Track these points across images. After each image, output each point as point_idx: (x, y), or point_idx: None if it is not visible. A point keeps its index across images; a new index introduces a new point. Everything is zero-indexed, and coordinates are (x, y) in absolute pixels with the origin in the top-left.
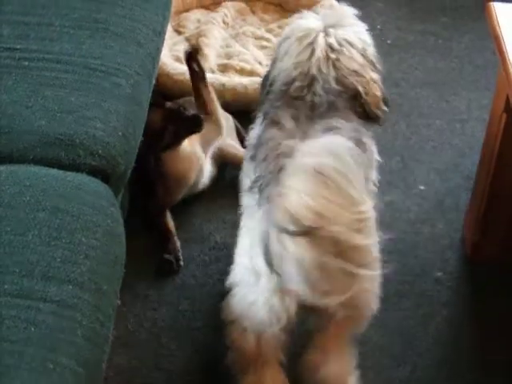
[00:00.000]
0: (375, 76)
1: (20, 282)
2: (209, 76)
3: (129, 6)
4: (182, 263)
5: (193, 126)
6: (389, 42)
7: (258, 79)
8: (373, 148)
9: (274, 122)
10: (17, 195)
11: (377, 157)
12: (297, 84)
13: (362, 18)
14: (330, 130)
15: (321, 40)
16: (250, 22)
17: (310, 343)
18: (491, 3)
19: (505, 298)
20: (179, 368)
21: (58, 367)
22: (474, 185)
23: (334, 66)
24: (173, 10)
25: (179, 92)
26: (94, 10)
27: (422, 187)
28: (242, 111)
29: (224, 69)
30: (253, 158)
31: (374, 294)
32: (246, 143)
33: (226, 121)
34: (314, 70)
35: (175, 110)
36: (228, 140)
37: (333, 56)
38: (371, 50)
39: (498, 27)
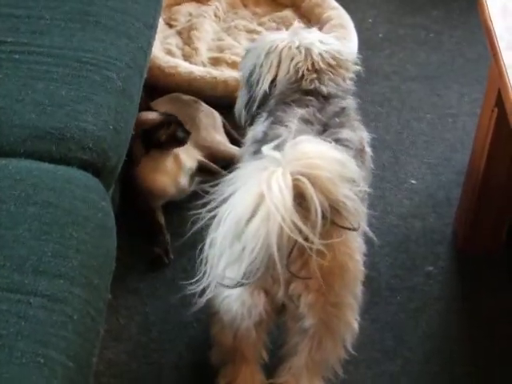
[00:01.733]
0: None
1: (11, 276)
2: (200, 69)
3: None
4: (172, 256)
5: (184, 137)
6: (380, 35)
7: None
8: (369, 153)
9: (282, 122)
10: (7, 189)
11: (371, 164)
12: (307, 77)
13: (353, 11)
14: (338, 142)
15: (311, 39)
16: (242, 15)
17: (284, 365)
18: None
19: (495, 291)
20: (170, 362)
21: (48, 361)
22: (465, 179)
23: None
24: (164, 3)
25: (171, 85)
26: (85, 2)
27: (413, 181)
28: (234, 104)
29: (215, 62)
30: (256, 153)
31: (350, 305)
32: (246, 139)
33: (213, 118)
34: (317, 65)
35: (174, 116)
36: (217, 137)
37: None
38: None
39: (489, 20)
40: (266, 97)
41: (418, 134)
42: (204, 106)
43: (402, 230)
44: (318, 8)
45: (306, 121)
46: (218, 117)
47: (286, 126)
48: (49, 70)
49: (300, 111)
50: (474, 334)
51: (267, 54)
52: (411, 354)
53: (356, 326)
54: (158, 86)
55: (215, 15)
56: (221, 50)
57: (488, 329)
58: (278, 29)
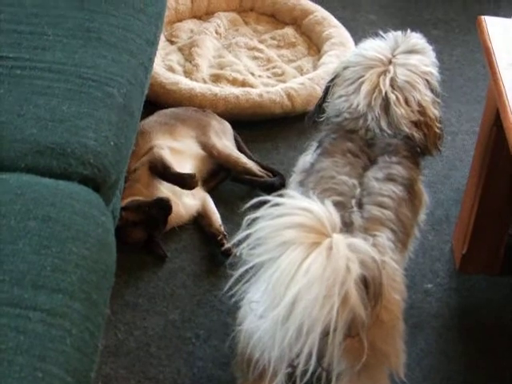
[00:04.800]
0: (437, 113)
1: (10, 290)
2: (201, 86)
3: (122, 15)
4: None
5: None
6: None
7: (250, 90)
8: (423, 191)
9: (329, 153)
10: (8, 203)
11: (426, 198)
12: (346, 116)
13: (354, 29)
14: (386, 179)
15: (384, 79)
16: (243, 32)
17: None
18: (482, 16)
19: (493, 309)
20: (168, 378)
21: (46, 376)
22: (464, 197)
23: (387, 111)
24: (166, 19)
25: (172, 101)
26: (87, 19)
27: None
28: (234, 121)
29: (216, 79)
30: (301, 183)
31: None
32: (296, 167)
33: (225, 126)
34: (361, 107)
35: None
36: (227, 143)
37: (393, 96)
38: (435, 84)
39: (488, 40)
40: (319, 107)
41: None
42: (215, 115)
43: None
44: (318, 26)
45: (352, 153)
46: (229, 127)
47: (334, 159)
48: (50, 85)
49: (346, 144)
50: (472, 352)
51: (346, 67)
52: (409, 371)
53: (399, 362)
54: (158, 102)
55: (216, 32)
56: (221, 66)
57: (486, 347)
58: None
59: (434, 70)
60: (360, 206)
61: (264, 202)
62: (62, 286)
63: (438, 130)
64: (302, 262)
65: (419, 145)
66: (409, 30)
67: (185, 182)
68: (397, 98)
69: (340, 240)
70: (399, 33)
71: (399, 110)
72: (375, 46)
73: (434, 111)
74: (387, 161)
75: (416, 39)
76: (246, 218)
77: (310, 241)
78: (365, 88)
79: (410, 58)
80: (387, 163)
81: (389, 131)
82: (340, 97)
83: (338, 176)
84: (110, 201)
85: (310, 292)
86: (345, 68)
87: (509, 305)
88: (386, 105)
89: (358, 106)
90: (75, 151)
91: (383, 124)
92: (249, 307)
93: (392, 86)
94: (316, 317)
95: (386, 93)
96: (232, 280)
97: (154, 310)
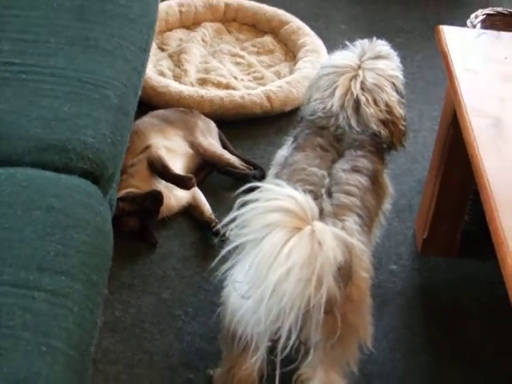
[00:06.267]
0: (402, 112)
1: (17, 273)
2: (189, 89)
3: (117, 25)
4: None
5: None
6: None
7: (233, 92)
8: (388, 183)
9: (301, 148)
10: (15, 195)
11: (391, 190)
12: (320, 114)
13: (326, 37)
14: (352, 170)
15: (355, 83)
16: (227, 40)
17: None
18: (440, 26)
19: (451, 287)
20: (160, 350)
21: (50, 350)
22: (424, 188)
23: (357, 111)
24: (157, 29)
25: (162, 103)
26: (86, 28)
27: None
28: (219, 120)
29: (203, 82)
30: (277, 175)
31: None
32: (274, 161)
33: (209, 125)
34: (335, 108)
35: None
36: (213, 141)
37: (363, 98)
38: (401, 86)
39: (446, 47)
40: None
41: None
42: (201, 115)
43: None
44: (293, 35)
45: (322, 148)
46: (214, 126)
47: (305, 153)
48: (53, 88)
49: (317, 139)
50: (433, 325)
51: (321, 75)
52: (376, 342)
53: (367, 334)
54: (151, 103)
55: (203, 40)
56: (207, 71)
57: (445, 321)
58: None
59: (399, 74)
60: (329, 194)
61: (253, 189)
62: (64, 268)
63: (402, 128)
64: (284, 245)
65: (385, 141)
66: (374, 38)
67: (184, 183)
68: (366, 99)
69: (324, 229)
70: (365, 40)
71: (369, 110)
72: (344, 56)
73: (399, 110)
74: (353, 154)
75: (381, 46)
76: (238, 201)
77: (292, 225)
78: (339, 92)
79: (377, 62)
80: (353, 156)
81: (357, 128)
82: (316, 100)
83: (308, 168)
84: (107, 192)
85: (292, 275)
86: (319, 78)
87: (465, 283)
88: (356, 105)
89: (331, 107)
90: (75, 147)
91: (353, 122)
92: (232, 287)
93: (362, 88)
94: (297, 298)
95: (356, 95)
96: (217, 260)
97: (147, 290)
